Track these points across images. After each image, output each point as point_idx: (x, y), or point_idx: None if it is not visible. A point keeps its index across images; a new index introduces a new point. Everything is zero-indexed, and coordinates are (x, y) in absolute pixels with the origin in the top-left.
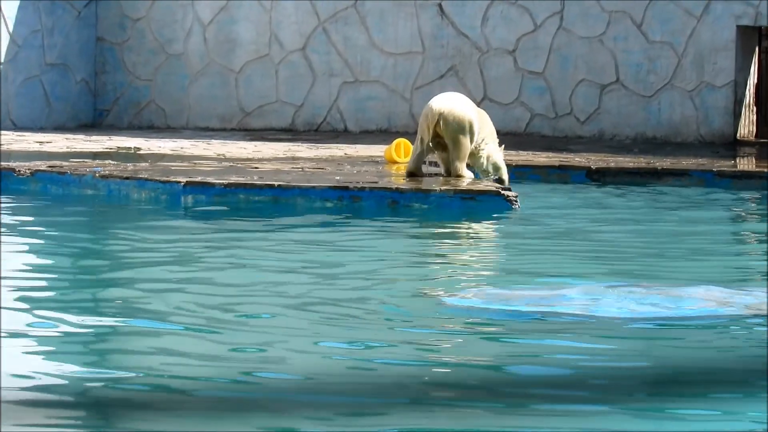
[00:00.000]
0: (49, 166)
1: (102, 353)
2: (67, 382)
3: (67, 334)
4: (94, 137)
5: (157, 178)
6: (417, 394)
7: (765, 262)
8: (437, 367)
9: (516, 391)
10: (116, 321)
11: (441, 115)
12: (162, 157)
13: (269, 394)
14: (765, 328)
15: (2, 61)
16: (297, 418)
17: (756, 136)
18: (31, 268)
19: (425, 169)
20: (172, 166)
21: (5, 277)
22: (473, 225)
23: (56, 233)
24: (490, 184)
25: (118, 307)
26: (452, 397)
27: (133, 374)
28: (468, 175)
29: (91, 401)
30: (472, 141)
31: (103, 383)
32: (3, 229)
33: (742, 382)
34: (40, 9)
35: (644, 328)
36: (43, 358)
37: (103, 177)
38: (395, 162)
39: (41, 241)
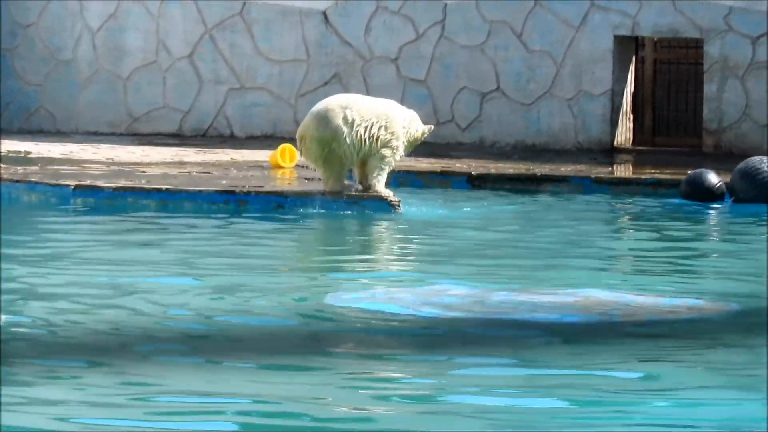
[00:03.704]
0: None
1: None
2: None
3: None
4: None
5: (47, 182)
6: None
7: (632, 267)
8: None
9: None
10: None
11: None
12: (52, 161)
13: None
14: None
15: None
16: None
17: (633, 143)
18: None
19: (307, 174)
20: (62, 169)
21: None
22: (357, 228)
23: None
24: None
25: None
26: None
27: None
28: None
29: None
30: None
31: None
32: None
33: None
34: None
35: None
36: None
37: None
38: (280, 167)
39: None
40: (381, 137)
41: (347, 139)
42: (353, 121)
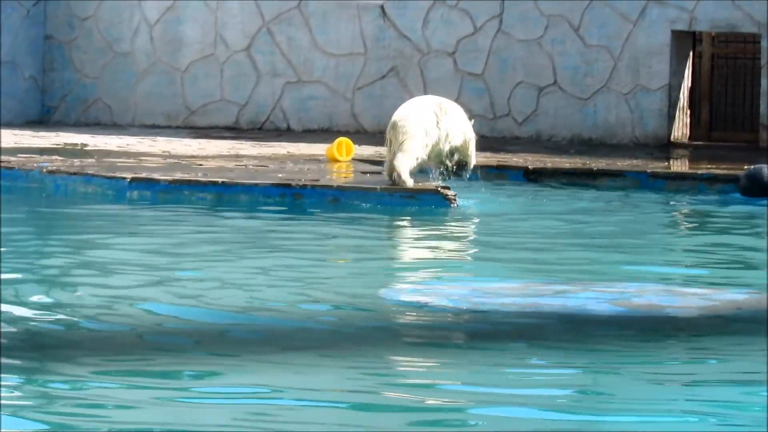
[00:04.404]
0: None
1: (49, 347)
2: None
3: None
4: (41, 133)
5: (104, 174)
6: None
7: (695, 265)
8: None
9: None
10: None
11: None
12: (108, 153)
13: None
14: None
15: None
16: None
17: (689, 138)
18: None
19: (363, 168)
20: (118, 162)
21: None
22: (413, 223)
23: (5, 229)
24: (429, 182)
25: (63, 300)
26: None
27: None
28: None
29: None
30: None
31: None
32: None
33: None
34: None
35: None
36: None
37: (50, 172)
38: (337, 160)
39: None
40: (465, 133)
41: (440, 128)
42: (446, 113)
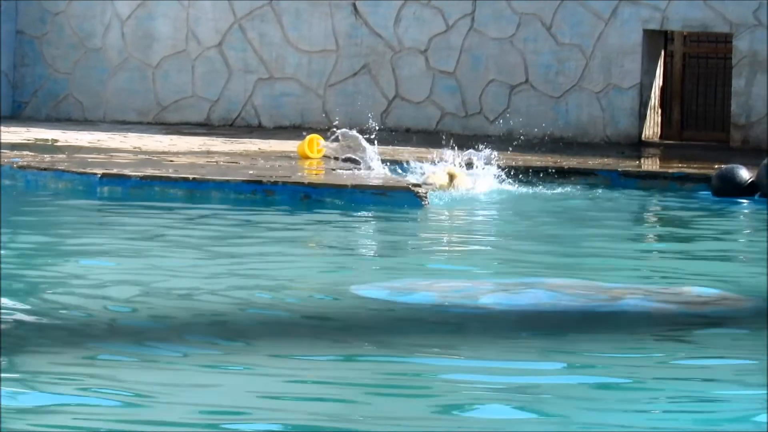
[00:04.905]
0: None
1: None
2: None
3: None
4: (12, 128)
5: (75, 170)
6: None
7: (660, 261)
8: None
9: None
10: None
11: None
12: (79, 149)
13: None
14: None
15: None
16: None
17: (660, 137)
18: None
19: (334, 164)
20: (89, 158)
21: None
22: (383, 220)
23: None
24: (401, 180)
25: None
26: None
27: None
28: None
29: None
30: None
31: None
32: None
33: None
34: None
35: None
36: None
37: (21, 168)
38: (308, 157)
39: None
40: None
41: None
42: None
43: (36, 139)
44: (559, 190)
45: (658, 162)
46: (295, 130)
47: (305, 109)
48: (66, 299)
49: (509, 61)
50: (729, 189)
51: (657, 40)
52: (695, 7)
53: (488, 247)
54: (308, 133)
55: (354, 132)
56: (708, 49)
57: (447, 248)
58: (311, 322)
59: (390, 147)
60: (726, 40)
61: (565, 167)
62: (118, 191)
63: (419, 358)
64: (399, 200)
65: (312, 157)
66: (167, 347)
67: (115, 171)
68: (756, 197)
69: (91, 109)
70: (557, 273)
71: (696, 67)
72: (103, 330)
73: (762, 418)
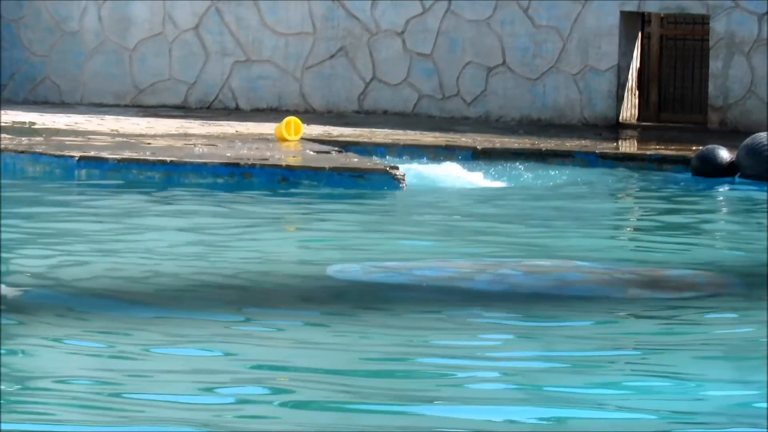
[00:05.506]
0: None
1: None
2: None
3: None
4: None
5: (52, 153)
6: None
7: (638, 241)
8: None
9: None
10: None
11: None
12: (56, 132)
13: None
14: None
15: None
16: None
17: (638, 119)
18: None
19: (312, 147)
20: (67, 141)
21: None
22: (361, 202)
23: None
24: (378, 162)
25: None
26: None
27: None
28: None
29: None
30: None
31: None
32: None
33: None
34: None
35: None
36: None
37: None
38: (285, 140)
39: None
40: None
41: None
42: None
43: (13, 122)
44: (537, 172)
45: (635, 144)
46: (272, 113)
47: (282, 91)
48: (42, 281)
49: (486, 43)
50: (709, 169)
51: (634, 21)
52: None
53: (465, 229)
54: (286, 116)
55: None
56: (685, 31)
57: (423, 229)
58: (289, 302)
59: (367, 129)
60: (703, 21)
61: (543, 149)
62: (95, 174)
63: (396, 338)
64: (376, 182)
65: (290, 140)
66: (143, 325)
67: (92, 154)
68: (735, 178)
69: (69, 92)
70: (534, 253)
71: (673, 49)
72: (81, 311)
73: (728, 390)
